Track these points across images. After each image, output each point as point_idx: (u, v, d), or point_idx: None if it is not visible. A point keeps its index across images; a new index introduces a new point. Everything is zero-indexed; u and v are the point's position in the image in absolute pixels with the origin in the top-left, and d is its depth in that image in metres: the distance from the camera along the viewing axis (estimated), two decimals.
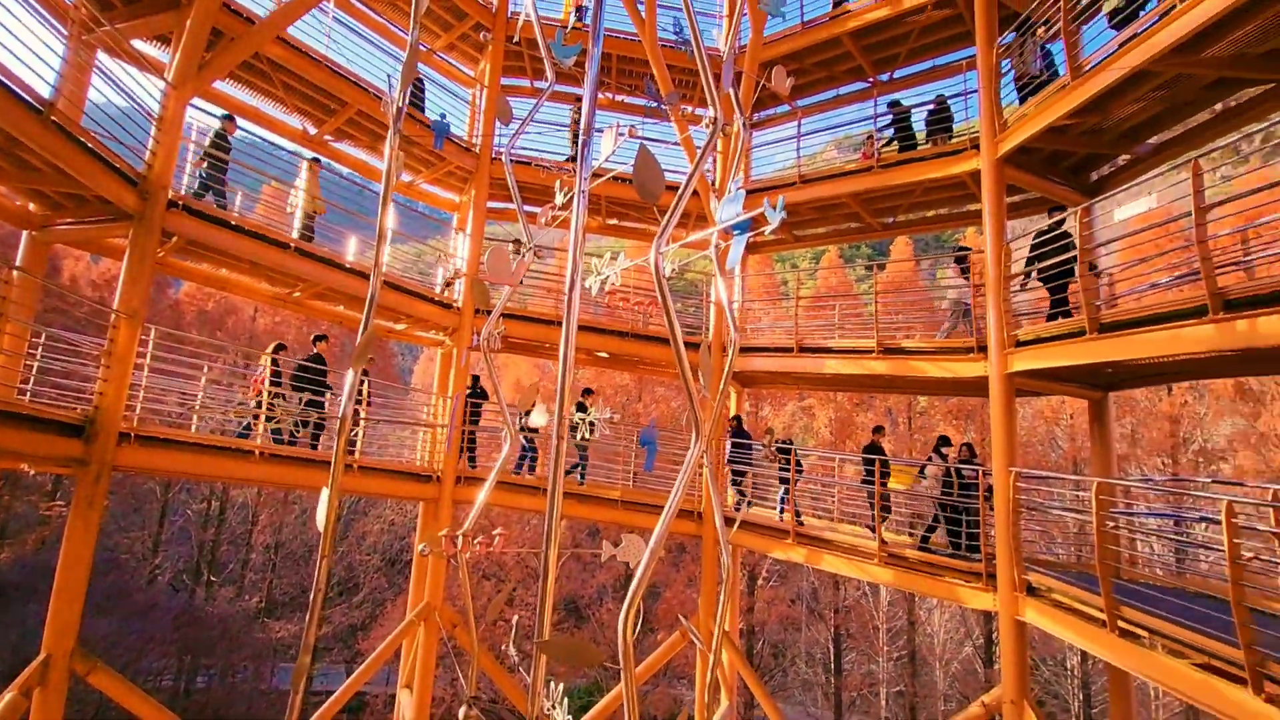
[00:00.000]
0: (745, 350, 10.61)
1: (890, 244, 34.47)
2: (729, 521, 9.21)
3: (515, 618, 4.09)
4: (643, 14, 10.33)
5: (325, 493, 2.57)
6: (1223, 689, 4.60)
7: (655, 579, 26.82)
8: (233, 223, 8.14)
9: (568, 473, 10.23)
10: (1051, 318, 7.51)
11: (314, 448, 8.86)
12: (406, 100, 3.13)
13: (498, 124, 9.51)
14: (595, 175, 3.10)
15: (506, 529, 27.78)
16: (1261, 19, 5.59)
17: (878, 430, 9.61)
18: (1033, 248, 7.59)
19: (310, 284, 9.12)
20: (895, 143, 9.97)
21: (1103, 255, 8.14)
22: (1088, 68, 6.61)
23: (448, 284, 10.82)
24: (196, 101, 8.12)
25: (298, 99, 10.14)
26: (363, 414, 9.51)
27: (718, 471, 9.84)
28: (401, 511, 29.53)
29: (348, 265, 9.24)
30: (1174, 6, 5.51)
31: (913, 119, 9.96)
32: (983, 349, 7.82)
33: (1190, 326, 5.26)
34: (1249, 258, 7.00)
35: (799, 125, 10.45)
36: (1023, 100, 7.88)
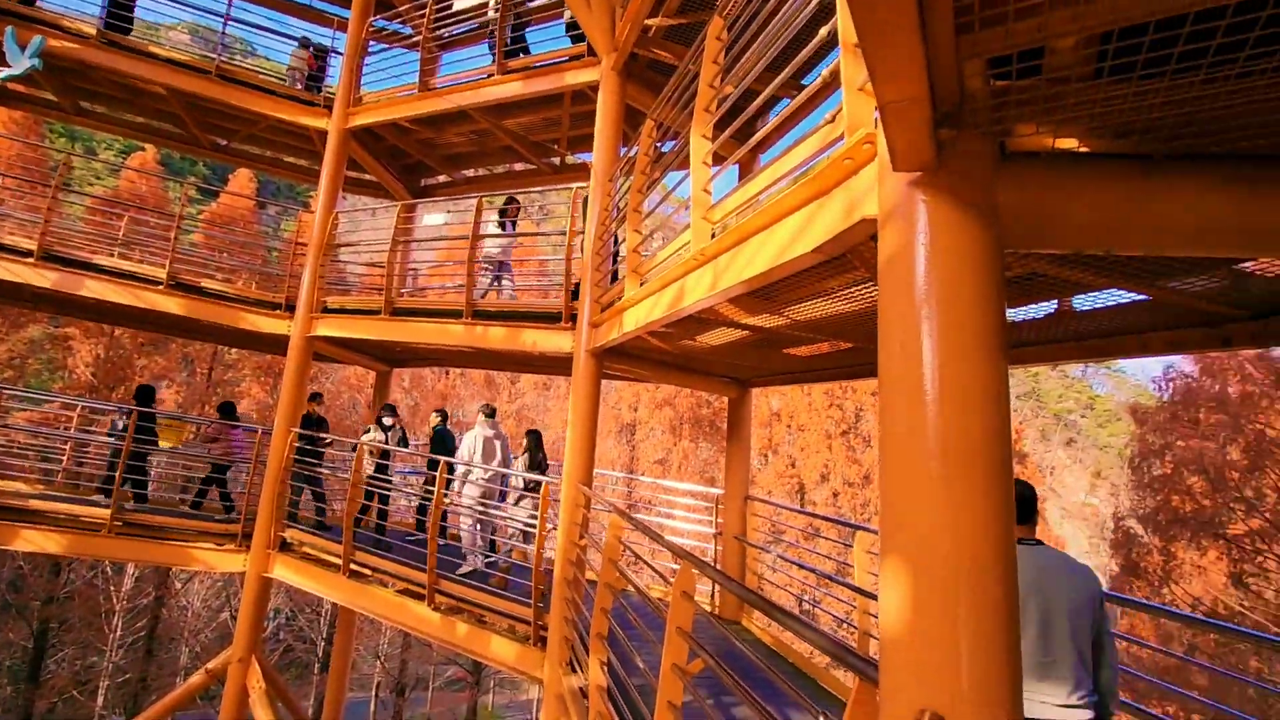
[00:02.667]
0: None
1: (233, 173, 30.50)
2: None
3: None
4: None
5: None
6: (412, 606, 5.87)
7: None
8: None
9: None
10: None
11: None
12: None
13: None
14: None
15: None
16: (528, 116, 7.82)
17: (315, 400, 8.03)
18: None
19: None
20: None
21: (415, 250, 9.44)
22: (435, 86, 7.58)
23: None
24: None
25: None
26: None
27: None
28: None
29: None
30: (492, 74, 6.97)
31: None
32: (291, 308, 7.69)
33: (453, 324, 6.61)
34: (501, 284, 9.48)
35: None
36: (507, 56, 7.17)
